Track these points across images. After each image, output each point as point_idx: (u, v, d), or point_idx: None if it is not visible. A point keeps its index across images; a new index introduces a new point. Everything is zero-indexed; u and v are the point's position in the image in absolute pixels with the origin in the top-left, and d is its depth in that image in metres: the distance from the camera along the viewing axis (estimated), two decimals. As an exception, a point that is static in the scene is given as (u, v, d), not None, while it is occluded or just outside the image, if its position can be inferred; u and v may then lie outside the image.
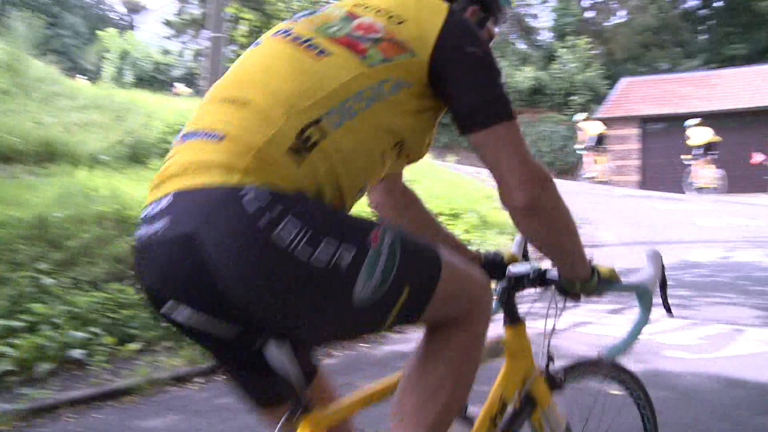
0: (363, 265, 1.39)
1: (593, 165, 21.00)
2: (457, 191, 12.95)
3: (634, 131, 27.42)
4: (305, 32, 1.59)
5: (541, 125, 29.06)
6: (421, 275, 1.53)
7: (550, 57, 33.42)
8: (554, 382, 2.07)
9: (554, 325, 2.01)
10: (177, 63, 39.04)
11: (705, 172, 19.57)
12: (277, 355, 1.45)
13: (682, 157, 20.58)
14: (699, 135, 19.87)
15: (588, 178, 21.53)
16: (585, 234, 12.05)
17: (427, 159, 16.21)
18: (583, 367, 2.23)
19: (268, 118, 1.42)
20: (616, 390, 2.35)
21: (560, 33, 34.75)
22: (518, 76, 31.00)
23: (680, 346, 5.36)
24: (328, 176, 1.43)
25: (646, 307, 2.05)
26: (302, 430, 1.51)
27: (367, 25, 1.57)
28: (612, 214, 14.10)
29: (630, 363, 4.89)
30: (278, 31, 1.64)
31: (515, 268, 2.00)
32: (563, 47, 31.11)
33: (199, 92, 18.15)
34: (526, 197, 1.55)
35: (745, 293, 7.29)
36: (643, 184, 25.23)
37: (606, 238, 11.82)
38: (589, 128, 21.21)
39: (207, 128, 1.47)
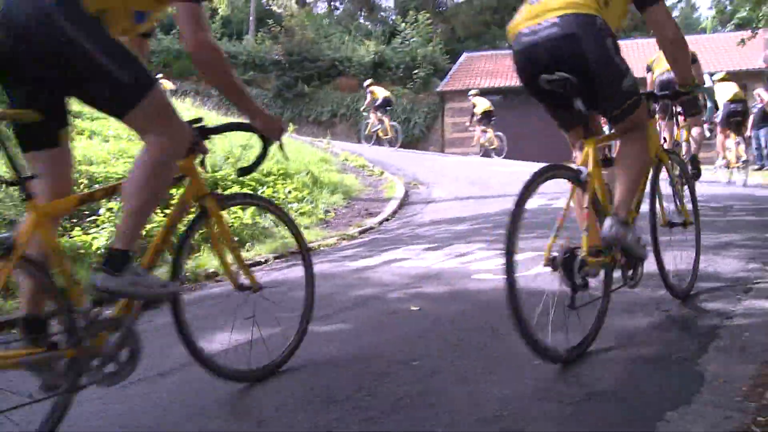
0: (628, 75, 3.27)
1: (377, 125, 21.59)
2: (290, 154, 12.79)
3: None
4: None
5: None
6: (637, 100, 3.39)
7: (392, 32, 33.77)
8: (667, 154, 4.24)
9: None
10: None
11: (487, 137, 21.33)
12: (578, 103, 3.19)
13: (466, 124, 22.31)
14: (481, 104, 21.38)
15: (367, 137, 22.16)
16: (421, 193, 12.27)
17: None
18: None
19: None
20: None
21: (403, 9, 35.17)
22: (361, 51, 31.12)
23: (487, 270, 5.47)
24: (611, 22, 3.26)
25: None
26: (587, 144, 3.36)
27: None
28: (451, 177, 14.45)
29: (441, 285, 5.02)
30: None
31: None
32: (405, 22, 31.50)
33: None
34: (677, 34, 3.50)
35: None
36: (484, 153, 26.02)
37: (438, 194, 12.10)
38: (378, 92, 21.80)
39: None
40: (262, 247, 7.83)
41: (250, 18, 35.52)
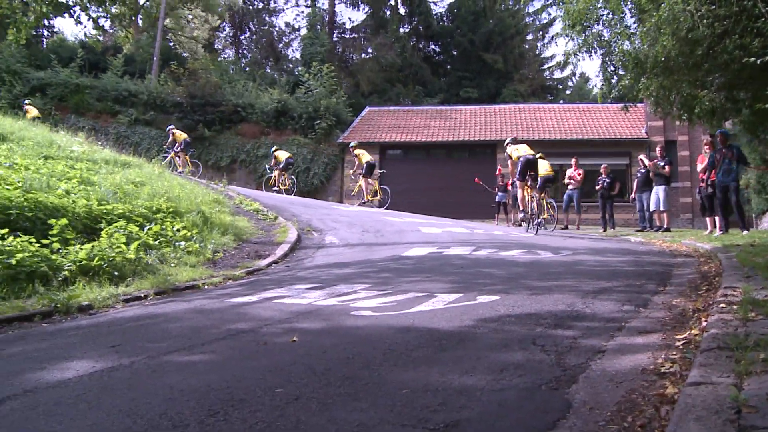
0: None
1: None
2: (183, 194, 12.46)
3: (375, 157, 28.49)
4: None
5: (285, 147, 29.25)
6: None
7: (296, 82, 33.84)
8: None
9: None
10: None
11: (371, 188, 21.95)
12: None
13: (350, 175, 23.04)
14: (364, 156, 21.72)
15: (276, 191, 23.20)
16: (314, 239, 12.12)
17: (160, 170, 15.54)
18: None
19: None
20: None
21: (308, 61, 35.37)
22: (264, 98, 31.00)
23: (368, 308, 5.36)
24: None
25: None
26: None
27: None
28: (345, 224, 14.37)
29: (318, 321, 4.85)
30: None
31: None
32: (309, 73, 31.62)
33: None
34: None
35: (443, 274, 7.55)
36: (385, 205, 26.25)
37: (331, 240, 11.98)
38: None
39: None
40: (144, 282, 7.50)
41: (154, 58, 34.88)
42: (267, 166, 25.26)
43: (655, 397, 2.83)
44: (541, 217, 15.24)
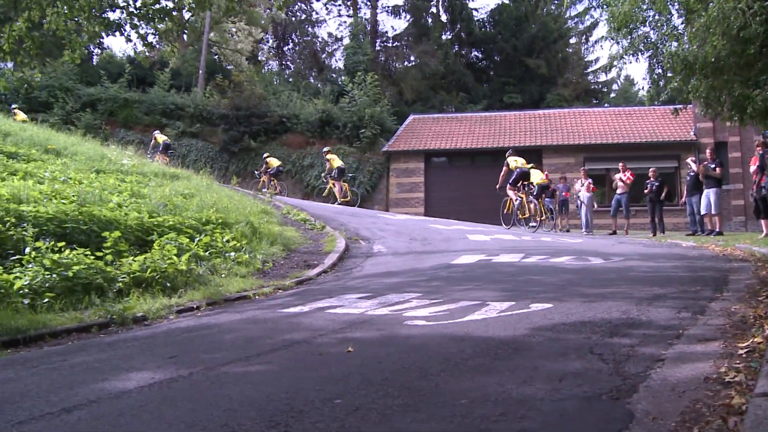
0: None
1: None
2: (232, 205, 12.61)
3: (420, 165, 28.49)
4: None
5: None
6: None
7: (340, 92, 34.01)
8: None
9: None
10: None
11: (342, 190, 24.44)
12: None
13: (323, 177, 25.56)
14: (335, 161, 24.51)
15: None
16: (362, 248, 12.15)
17: (208, 181, 15.75)
18: None
19: None
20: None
21: (351, 70, 35.53)
22: (309, 108, 31.23)
23: (421, 317, 5.37)
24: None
25: None
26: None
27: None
28: (392, 233, 14.40)
29: (372, 331, 4.87)
30: None
31: None
32: (353, 82, 31.73)
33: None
34: None
35: (493, 282, 7.53)
36: (428, 213, 26.21)
37: (379, 249, 11.99)
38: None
39: None
40: (196, 293, 7.60)
41: (200, 71, 35.43)
42: (257, 171, 27.12)
43: (720, 407, 2.78)
44: (540, 219, 18.15)
